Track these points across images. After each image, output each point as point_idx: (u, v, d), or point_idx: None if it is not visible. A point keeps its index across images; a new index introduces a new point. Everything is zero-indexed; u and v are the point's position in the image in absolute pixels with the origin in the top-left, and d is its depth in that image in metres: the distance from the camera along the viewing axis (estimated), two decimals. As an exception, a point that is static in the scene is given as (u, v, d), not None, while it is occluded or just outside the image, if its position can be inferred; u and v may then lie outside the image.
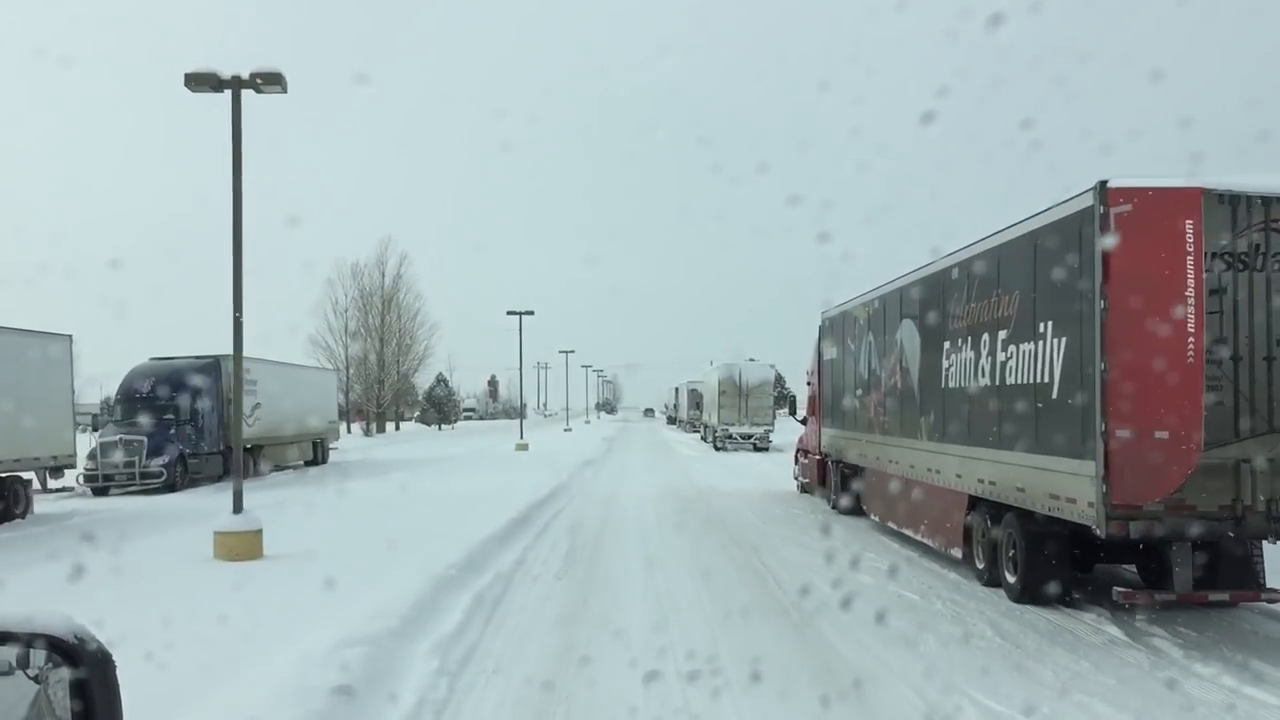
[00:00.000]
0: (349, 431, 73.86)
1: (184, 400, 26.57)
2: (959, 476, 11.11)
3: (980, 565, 10.69)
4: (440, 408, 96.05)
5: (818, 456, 19.59)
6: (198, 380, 27.52)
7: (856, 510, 16.95)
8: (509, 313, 40.73)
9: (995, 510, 10.29)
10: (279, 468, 32.27)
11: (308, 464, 35.47)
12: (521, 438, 40.92)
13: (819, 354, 19.52)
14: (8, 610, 1.82)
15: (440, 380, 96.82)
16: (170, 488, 25.16)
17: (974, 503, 10.84)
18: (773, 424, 41.59)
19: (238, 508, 11.69)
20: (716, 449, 42.46)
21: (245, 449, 30.57)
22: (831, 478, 18.31)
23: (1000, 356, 9.96)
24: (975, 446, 10.62)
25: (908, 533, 13.30)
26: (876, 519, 15.20)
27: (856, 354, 16.16)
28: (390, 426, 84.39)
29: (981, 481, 10.44)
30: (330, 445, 38.73)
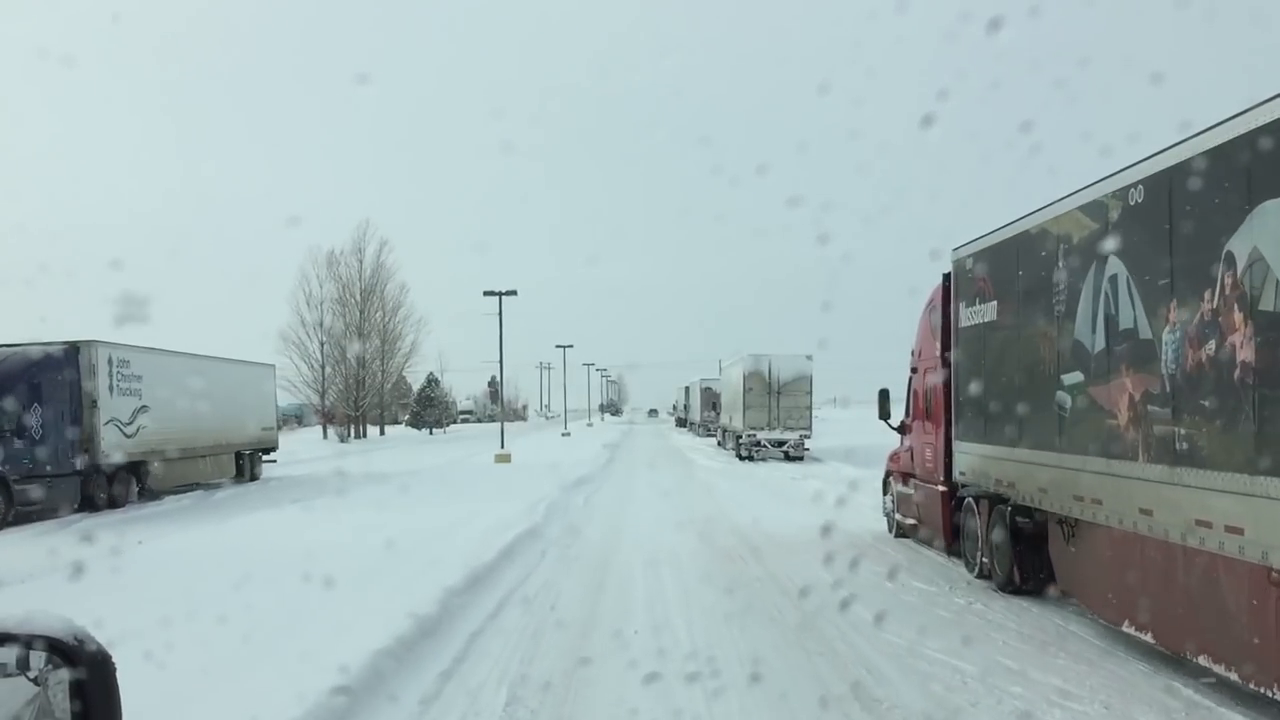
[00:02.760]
0: (325, 437, 66.51)
1: (11, 403, 19.01)
2: None
3: None
4: (431, 410, 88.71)
5: (939, 488, 12.05)
6: (38, 376, 20.05)
7: (1038, 590, 9.49)
8: (486, 293, 33.08)
9: None
10: (183, 488, 24.81)
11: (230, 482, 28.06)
12: (503, 447, 33.30)
13: (946, 320, 11.91)
14: (7, 612, 1.80)
15: (431, 380, 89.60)
16: (-12, 523, 17.72)
17: None
18: (810, 428, 34.03)
19: None
20: (741, 458, 34.90)
21: (126, 466, 23.25)
22: (974, 527, 10.77)
23: None
24: None
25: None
26: (1138, 633, 7.52)
27: (1063, 306, 8.55)
28: (375, 431, 77.08)
29: None
30: (267, 457, 31.30)
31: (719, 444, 45.89)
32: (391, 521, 14.91)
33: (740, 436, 34.95)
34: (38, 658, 1.76)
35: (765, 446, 34.05)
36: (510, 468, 30.04)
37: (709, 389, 58.08)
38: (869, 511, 17.45)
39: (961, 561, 11.46)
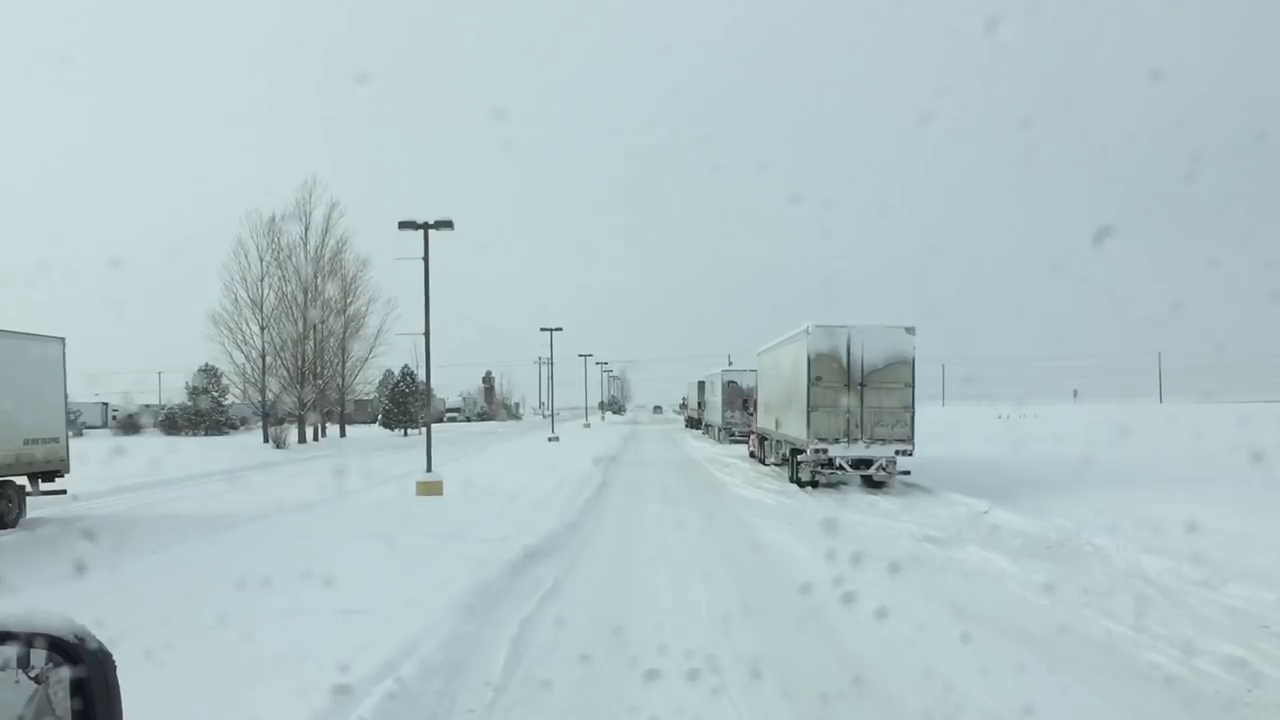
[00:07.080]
0: (265, 441, 54.48)
1: None
2: None
3: None
4: (405, 408, 76.85)
5: None
6: None
7: None
8: (401, 225, 20.72)
9: None
10: None
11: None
12: (430, 469, 21.14)
13: None
14: (7, 610, 1.75)
15: (406, 375, 77.77)
16: None
17: None
18: (911, 439, 21.90)
19: None
20: (801, 484, 22.85)
21: None
22: None
23: None
24: None
25: None
26: None
27: None
28: (336, 431, 65.20)
29: None
30: (51, 485, 19.28)
31: (751, 454, 33.89)
32: None
33: (802, 451, 22.80)
34: (38, 655, 1.72)
35: (842, 469, 21.99)
36: (435, 507, 17.99)
37: (733, 383, 46.03)
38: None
39: None
